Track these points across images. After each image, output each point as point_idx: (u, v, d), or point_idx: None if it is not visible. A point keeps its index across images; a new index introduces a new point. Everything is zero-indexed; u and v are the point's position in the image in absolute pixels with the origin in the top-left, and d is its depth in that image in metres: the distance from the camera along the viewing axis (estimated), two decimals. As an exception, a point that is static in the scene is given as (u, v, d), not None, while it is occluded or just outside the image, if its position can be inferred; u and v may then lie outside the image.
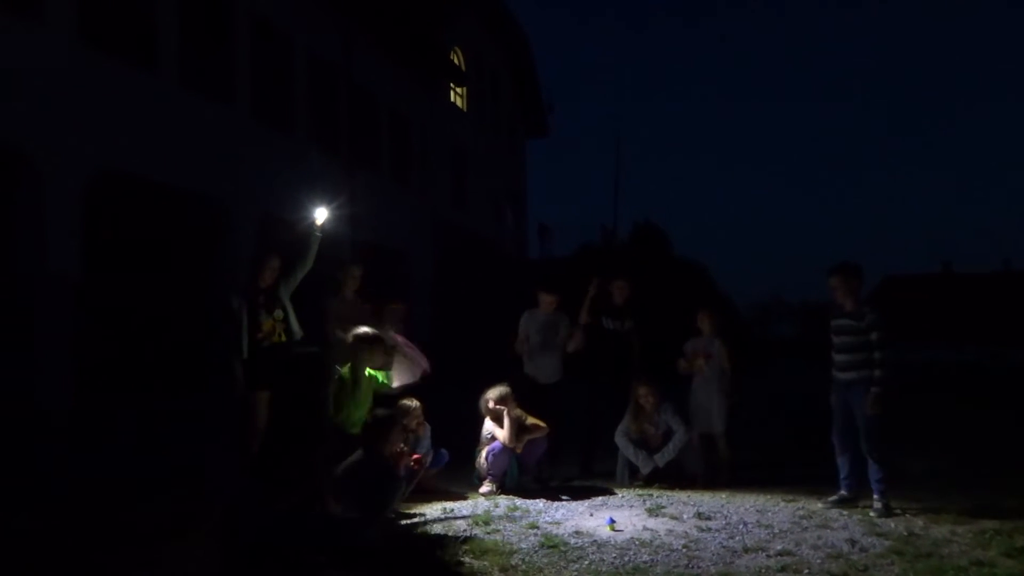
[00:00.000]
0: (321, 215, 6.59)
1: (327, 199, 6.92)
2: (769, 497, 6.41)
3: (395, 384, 6.69)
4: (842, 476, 6.18)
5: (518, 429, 6.82)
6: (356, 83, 14.42)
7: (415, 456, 6.17)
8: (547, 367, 7.59)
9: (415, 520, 5.71)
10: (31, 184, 8.29)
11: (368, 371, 6.10)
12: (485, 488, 6.66)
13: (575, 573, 4.51)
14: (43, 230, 8.29)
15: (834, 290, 6.21)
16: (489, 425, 6.92)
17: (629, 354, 7.79)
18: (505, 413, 6.79)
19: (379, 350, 6.09)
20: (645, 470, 6.96)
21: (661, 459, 6.96)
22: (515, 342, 7.63)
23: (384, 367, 6.29)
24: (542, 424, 6.92)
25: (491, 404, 6.88)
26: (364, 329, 6.07)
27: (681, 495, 6.57)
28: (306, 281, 6.57)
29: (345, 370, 5.98)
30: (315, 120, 13.48)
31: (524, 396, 7.10)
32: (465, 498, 6.49)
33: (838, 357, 6.16)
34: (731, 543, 5.09)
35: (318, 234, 6.56)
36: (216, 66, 11.25)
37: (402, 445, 5.96)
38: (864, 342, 6.00)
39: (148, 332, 9.60)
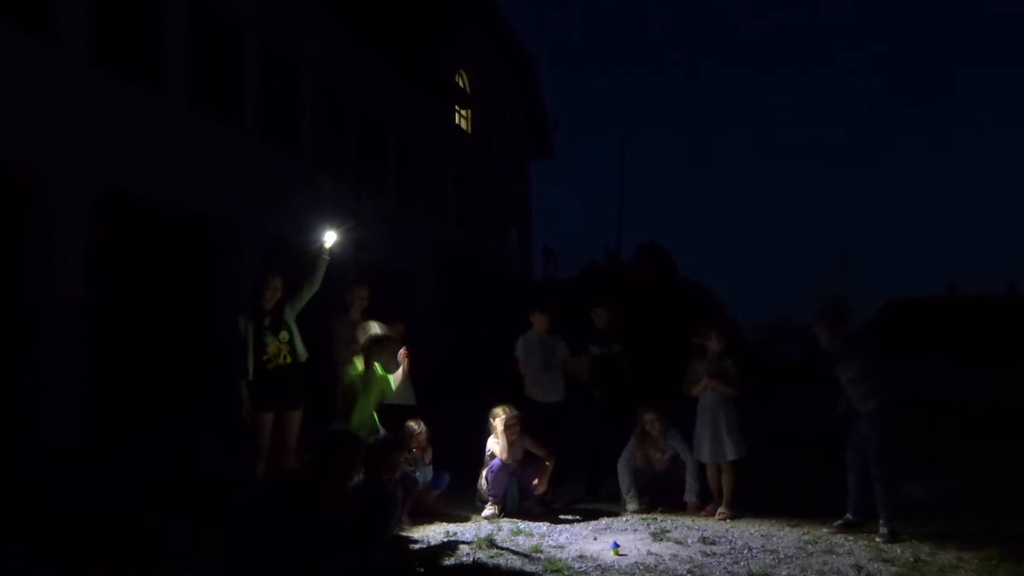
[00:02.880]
0: (330, 238, 6.62)
1: (334, 221, 6.96)
2: (774, 522, 6.37)
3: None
4: (849, 499, 6.14)
5: (519, 444, 6.84)
6: (363, 105, 14.53)
7: (411, 481, 6.17)
8: (548, 387, 7.58)
9: (418, 544, 5.69)
10: (39, 204, 8.34)
11: (378, 370, 6.25)
12: (488, 511, 6.64)
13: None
14: (51, 250, 8.33)
15: (819, 333, 6.17)
16: (491, 442, 6.92)
17: (621, 378, 7.79)
18: (501, 429, 6.79)
19: (389, 349, 6.30)
20: (630, 507, 6.89)
21: (690, 496, 6.89)
22: (519, 367, 7.66)
23: (391, 367, 6.42)
24: (547, 452, 6.92)
25: (491, 421, 6.90)
26: (376, 330, 6.28)
27: (686, 519, 6.53)
28: (313, 303, 6.60)
29: (359, 367, 6.14)
30: (322, 142, 13.58)
31: (527, 418, 7.10)
32: (468, 521, 6.47)
33: (850, 390, 6.07)
34: (736, 568, 5.06)
35: (327, 257, 6.59)
36: (224, 88, 11.35)
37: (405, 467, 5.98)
38: (860, 373, 5.99)
39: (155, 354, 9.62)
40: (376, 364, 6.28)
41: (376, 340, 6.26)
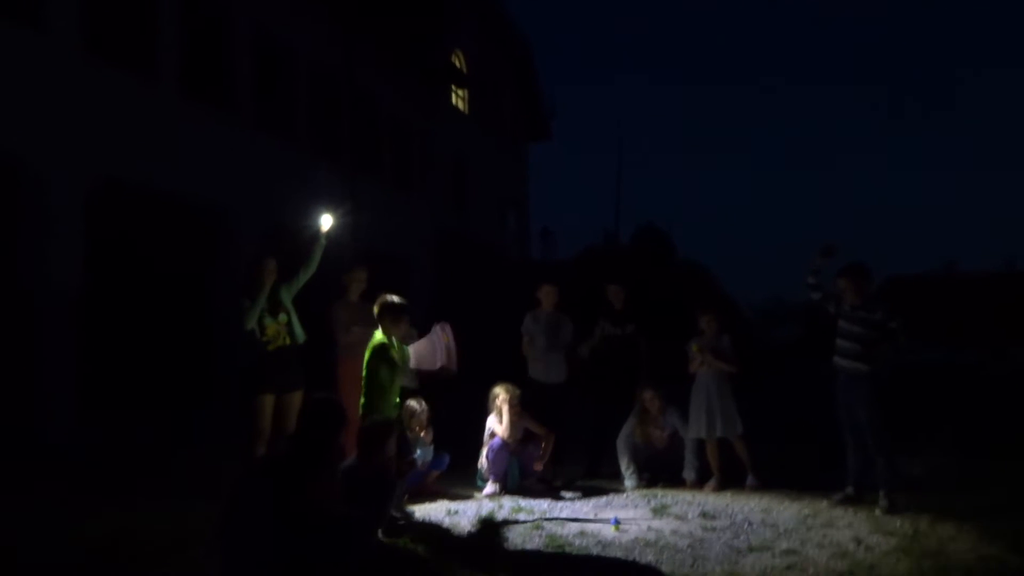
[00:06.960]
0: (327, 222, 6.63)
1: (331, 206, 6.95)
2: (774, 496, 6.41)
3: (411, 365, 6.59)
4: (850, 475, 6.17)
5: (520, 424, 6.88)
6: (358, 90, 14.46)
7: (409, 460, 6.16)
8: (552, 367, 7.58)
9: (419, 522, 5.72)
10: (34, 194, 8.31)
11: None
12: (489, 489, 6.68)
13: (580, 574, 4.51)
14: (46, 240, 8.31)
15: (843, 291, 6.23)
16: (491, 421, 6.95)
17: (635, 357, 7.76)
18: (505, 408, 6.81)
19: (404, 320, 6.04)
20: (630, 484, 6.90)
21: (688, 473, 6.92)
22: (523, 344, 7.63)
23: (405, 339, 6.21)
24: (546, 431, 6.95)
25: (492, 400, 6.93)
26: (391, 297, 6.00)
27: (686, 494, 6.57)
28: (311, 286, 6.59)
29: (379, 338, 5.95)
30: (317, 127, 13.51)
31: (530, 398, 7.12)
32: (469, 499, 6.50)
33: (845, 344, 6.13)
34: (736, 542, 5.09)
35: (323, 240, 6.60)
36: (218, 75, 11.29)
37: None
38: (874, 336, 6.01)
39: (151, 343, 9.61)
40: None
41: (388, 307, 5.94)
